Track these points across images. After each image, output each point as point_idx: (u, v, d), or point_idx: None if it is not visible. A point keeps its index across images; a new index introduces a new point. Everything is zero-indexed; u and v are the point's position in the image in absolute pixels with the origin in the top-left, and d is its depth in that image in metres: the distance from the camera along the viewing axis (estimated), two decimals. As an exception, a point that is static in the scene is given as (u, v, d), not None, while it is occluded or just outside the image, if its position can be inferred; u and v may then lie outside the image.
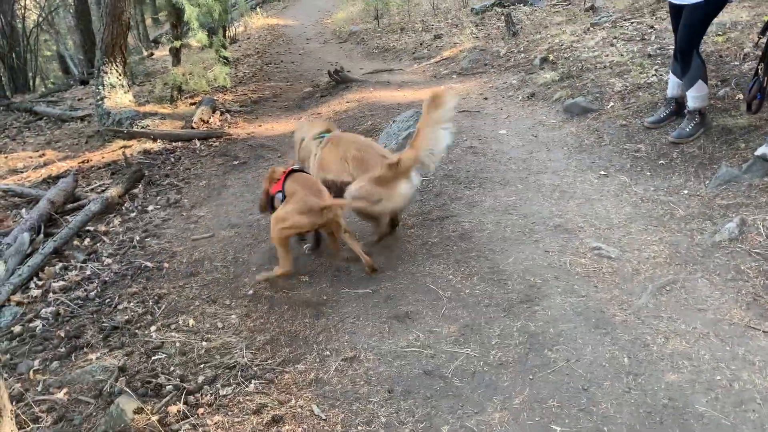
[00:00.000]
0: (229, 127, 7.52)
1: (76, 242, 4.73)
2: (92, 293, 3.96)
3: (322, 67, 10.69)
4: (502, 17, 10.09)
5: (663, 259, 3.39)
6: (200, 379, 2.93)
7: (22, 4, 17.19)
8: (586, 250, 3.53)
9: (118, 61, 8.09)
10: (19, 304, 3.93)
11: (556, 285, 3.23)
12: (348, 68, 9.61)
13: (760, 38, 3.93)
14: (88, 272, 4.24)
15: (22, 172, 6.81)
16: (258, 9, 18.96)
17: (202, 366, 3.04)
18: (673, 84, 4.83)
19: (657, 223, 3.76)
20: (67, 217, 5.09)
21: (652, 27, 7.14)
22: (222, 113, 8.04)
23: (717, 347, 2.70)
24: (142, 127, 7.41)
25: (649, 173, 4.39)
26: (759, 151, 3.98)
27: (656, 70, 5.83)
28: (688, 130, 4.57)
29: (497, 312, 3.10)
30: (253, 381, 2.86)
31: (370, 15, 14.60)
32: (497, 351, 2.83)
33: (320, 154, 3.92)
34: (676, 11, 4.50)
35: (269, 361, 3.00)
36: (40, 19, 17.66)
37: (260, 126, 7.47)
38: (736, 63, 5.35)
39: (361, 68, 10.24)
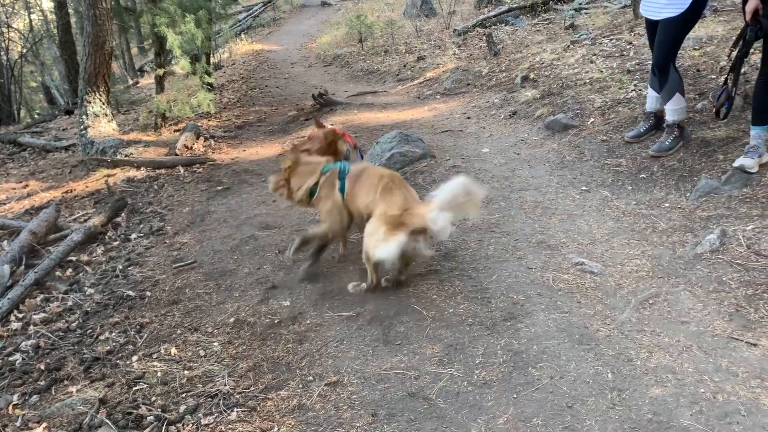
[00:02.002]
0: (213, 152, 7.52)
1: (58, 273, 4.67)
2: (74, 324, 3.90)
3: (306, 91, 10.74)
4: (484, 37, 10.20)
5: (645, 273, 3.40)
6: (182, 408, 2.88)
7: (6, 36, 17.25)
8: (568, 266, 3.53)
9: (101, 90, 8.09)
10: (-2, 337, 3.87)
11: (539, 302, 3.22)
12: (332, 91, 9.67)
13: (732, 51, 3.99)
14: (69, 303, 4.19)
15: (4, 204, 6.76)
16: (243, 35, 19.08)
17: (183, 395, 2.99)
18: (651, 98, 4.88)
19: (639, 237, 3.77)
20: (50, 247, 5.03)
21: (630, 43, 7.23)
22: (206, 139, 8.04)
23: (700, 360, 2.69)
24: (126, 156, 7.39)
25: (630, 187, 4.41)
26: (737, 163, 4.01)
27: (635, 85, 5.89)
28: (667, 143, 4.61)
29: (481, 330, 3.08)
30: (235, 409, 2.82)
31: (354, 38, 14.73)
32: (481, 370, 2.81)
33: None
34: (652, 26, 4.57)
35: (251, 389, 2.96)
36: (25, 50, 17.71)
37: (244, 151, 7.47)
38: (712, 76, 5.42)
39: (346, 91, 10.30)
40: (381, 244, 3.31)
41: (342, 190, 3.72)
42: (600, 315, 3.08)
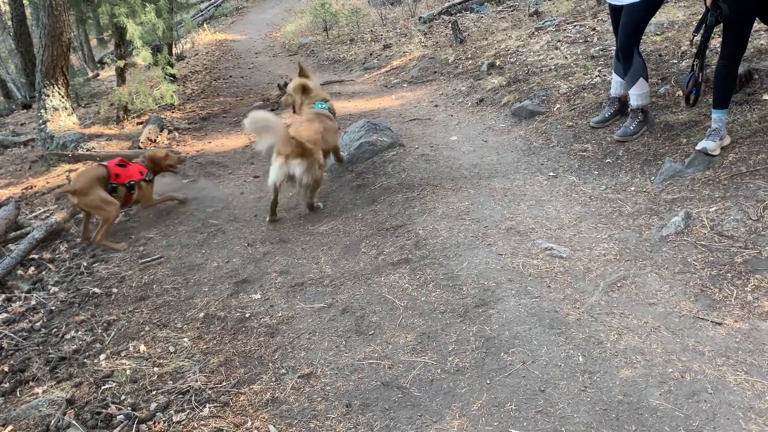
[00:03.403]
0: (177, 145, 7.38)
1: (20, 272, 4.55)
2: (38, 324, 3.81)
3: (272, 81, 10.62)
4: (449, 25, 10.19)
5: (613, 256, 3.44)
6: (152, 406, 2.84)
7: (-41, 28, 16.65)
8: (538, 251, 3.56)
9: (60, 83, 7.86)
10: (-41, 340, 3.75)
11: (509, 287, 3.25)
12: (298, 81, 9.55)
13: (694, 36, 4.05)
14: (33, 302, 4.09)
15: (-39, 202, 6.54)
16: (205, 25, 18.76)
17: (154, 393, 2.94)
18: (616, 84, 4.93)
19: (606, 221, 3.82)
20: (10, 245, 4.90)
21: (593, 29, 7.31)
22: (170, 131, 7.88)
23: (668, 340, 2.74)
24: (88, 150, 7.21)
25: (596, 172, 4.46)
26: (699, 146, 4.08)
27: (599, 71, 5.96)
28: (632, 128, 4.67)
29: (453, 318, 3.09)
30: (207, 405, 2.78)
31: (319, 27, 14.59)
32: (454, 357, 2.82)
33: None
34: (615, 12, 4.61)
35: (224, 384, 2.93)
36: (-22, 43, 17.11)
37: (210, 143, 7.35)
38: (674, 61, 5.51)
39: (312, 80, 10.19)
40: None
41: None
42: (570, 299, 3.11)
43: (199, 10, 20.47)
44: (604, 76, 5.78)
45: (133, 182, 4.92)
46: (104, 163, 4.95)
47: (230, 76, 12.06)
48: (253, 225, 4.74)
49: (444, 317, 3.11)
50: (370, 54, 11.34)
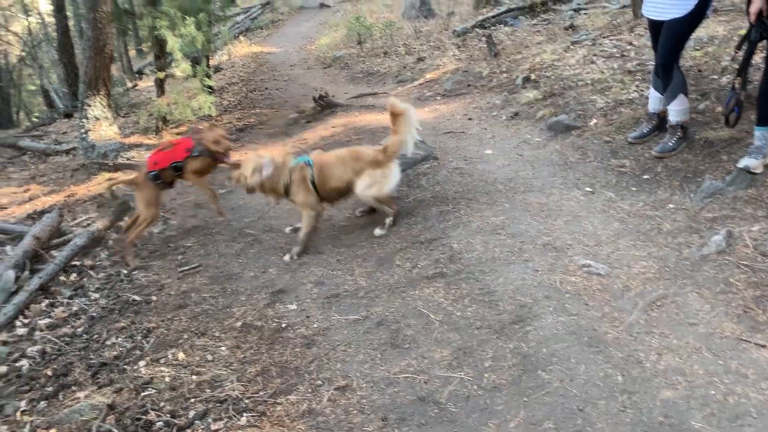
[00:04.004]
0: (215, 155, 7.49)
1: (62, 278, 4.66)
2: (79, 329, 3.90)
3: (307, 93, 10.72)
4: (483, 38, 10.20)
5: (652, 275, 3.40)
6: (191, 414, 2.88)
7: (5, 39, 17.23)
8: (575, 268, 3.54)
9: (102, 93, 8.08)
10: (4, 343, 3.85)
11: (547, 304, 3.23)
12: (333, 93, 9.65)
13: (736, 52, 3.99)
14: (74, 308, 4.19)
15: (6, 208, 6.74)
16: (242, 37, 19.07)
17: (192, 400, 2.99)
18: (654, 99, 4.88)
19: (644, 238, 3.78)
20: (53, 252, 5.02)
21: (630, 43, 7.25)
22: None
23: (710, 362, 2.69)
24: (128, 159, 7.38)
25: (634, 188, 4.42)
26: (741, 163, 4.02)
27: (637, 85, 5.90)
28: (671, 144, 4.61)
29: (489, 334, 3.08)
30: (244, 414, 2.82)
31: (354, 40, 14.72)
32: (491, 374, 2.81)
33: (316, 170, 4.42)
34: (654, 27, 4.57)
35: (261, 393, 2.96)
36: (23, 54, 17.68)
37: (246, 154, 7.44)
38: (714, 77, 5.43)
39: (346, 93, 10.29)
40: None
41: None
42: (608, 317, 3.08)
43: (235, 23, 20.82)
44: (642, 91, 5.73)
45: (176, 164, 4.87)
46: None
47: (266, 88, 12.23)
48: (289, 235, 4.79)
49: (480, 333, 3.10)
50: (404, 67, 11.40)
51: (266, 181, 4.39)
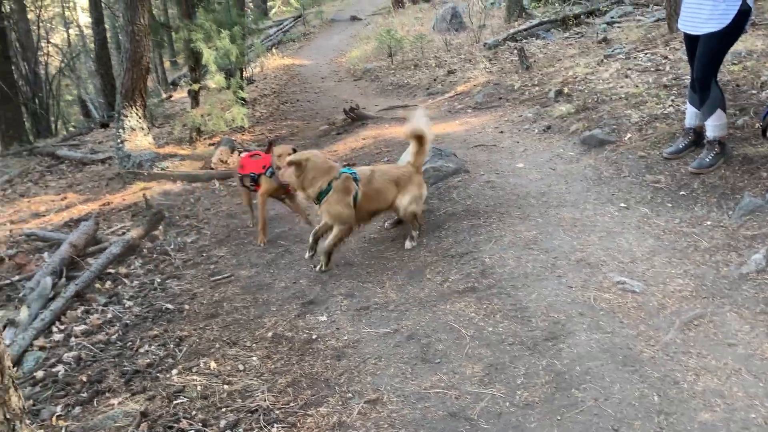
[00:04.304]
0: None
1: (97, 285, 4.75)
2: (113, 336, 3.96)
3: (337, 105, 10.82)
4: (515, 51, 10.18)
5: (689, 293, 3.33)
6: (222, 423, 2.90)
7: (45, 51, 17.72)
8: (609, 285, 3.48)
9: (138, 104, 8.26)
10: (41, 348, 3.94)
11: (580, 321, 3.18)
12: (363, 105, 9.72)
13: (777, 67, 3.91)
14: (109, 315, 4.26)
15: (44, 216, 6.91)
16: (274, 49, 19.32)
17: (224, 410, 3.01)
18: (690, 114, 4.81)
19: (681, 256, 3.70)
20: (89, 259, 5.13)
21: (666, 57, 7.16)
22: (240, 153, 8.13)
23: (750, 384, 2.62)
24: (162, 169, 7.52)
25: (670, 204, 4.34)
26: (782, 180, 3.93)
27: (672, 100, 5.82)
28: (708, 160, 4.53)
29: (522, 350, 3.05)
30: (275, 425, 2.82)
31: (384, 52, 14.81)
32: (523, 391, 2.78)
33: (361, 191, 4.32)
34: (691, 41, 4.51)
35: (291, 404, 2.97)
36: (62, 65, 18.16)
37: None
38: (753, 92, 5.33)
39: (376, 105, 10.35)
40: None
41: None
42: (644, 336, 3.02)
43: (267, 36, 21.10)
44: (678, 105, 5.64)
45: (253, 175, 5.02)
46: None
47: (297, 100, 12.37)
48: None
49: (512, 349, 3.07)
50: (434, 79, 11.43)
51: (301, 175, 4.21)
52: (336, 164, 4.40)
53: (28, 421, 3.01)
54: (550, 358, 2.94)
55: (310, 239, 4.54)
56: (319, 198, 4.24)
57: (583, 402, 2.64)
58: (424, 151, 4.53)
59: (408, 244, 4.47)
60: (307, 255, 4.56)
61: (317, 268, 4.38)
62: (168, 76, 21.02)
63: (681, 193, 4.44)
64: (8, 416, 2.12)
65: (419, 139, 4.42)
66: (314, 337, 3.53)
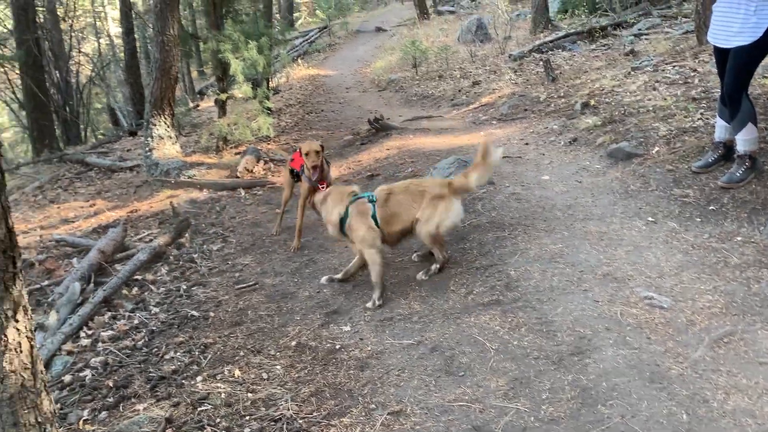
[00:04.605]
0: (272, 175, 7.67)
1: (124, 291, 4.82)
2: (140, 342, 4.01)
3: (362, 116, 10.86)
4: (541, 63, 10.14)
5: (719, 309, 3.28)
6: (246, 431, 2.91)
7: (77, 60, 18.09)
8: (636, 300, 3.44)
9: (166, 113, 8.39)
10: (69, 353, 4.00)
11: (607, 336, 3.14)
12: (387, 116, 9.75)
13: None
14: (136, 321, 4.31)
15: (73, 222, 7.03)
16: (299, 60, 19.50)
17: (247, 418, 3.02)
18: (720, 128, 4.74)
19: (710, 272, 3.65)
20: (117, 266, 5.20)
21: (695, 70, 7.07)
22: (266, 162, 8.21)
23: (783, 404, 2.57)
24: (189, 177, 7.61)
25: (699, 219, 4.28)
26: (815, 196, 3.85)
27: (702, 113, 5.74)
28: (738, 174, 4.46)
29: (547, 365, 3.02)
30: (298, 434, 2.83)
31: (409, 63, 14.85)
32: (548, 406, 2.75)
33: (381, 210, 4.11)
34: (721, 54, 4.46)
35: (314, 414, 2.97)
36: (93, 74, 18.52)
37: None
38: (785, 105, 5.24)
39: (400, 115, 10.37)
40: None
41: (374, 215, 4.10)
42: (672, 352, 2.98)
43: (293, 46, 21.32)
44: (707, 119, 5.57)
45: (294, 170, 5.13)
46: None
47: (322, 110, 12.45)
48: (342, 256, 4.83)
49: (537, 363, 3.04)
50: (459, 90, 11.43)
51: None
52: (354, 187, 4.31)
53: (57, 425, 3.06)
54: (575, 373, 2.91)
55: (340, 276, 4.42)
56: (342, 227, 4.13)
57: (610, 419, 2.60)
58: (477, 173, 4.14)
59: (420, 276, 4.17)
60: (324, 279, 4.45)
61: (368, 304, 3.97)
62: (195, 86, 21.33)
63: (710, 207, 4.37)
64: (39, 419, 2.15)
65: (484, 158, 4.12)
66: (338, 347, 3.54)
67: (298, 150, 5.08)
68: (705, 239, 4.02)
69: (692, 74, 6.97)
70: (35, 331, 4.12)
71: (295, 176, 5.22)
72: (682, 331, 3.14)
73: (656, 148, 5.39)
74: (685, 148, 5.21)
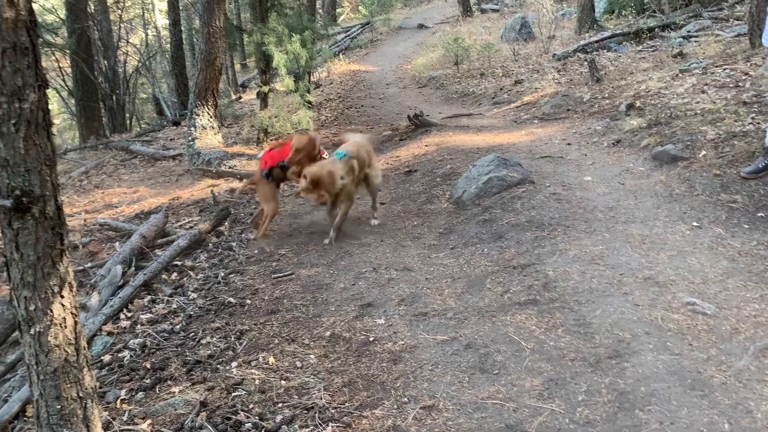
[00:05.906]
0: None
1: (164, 276, 4.91)
2: (177, 326, 4.08)
3: (401, 112, 10.85)
4: (585, 63, 9.98)
5: (765, 318, 3.17)
6: (278, 418, 2.94)
7: (124, 50, 18.49)
8: (679, 305, 3.35)
9: (209, 104, 8.51)
10: (109, 333, 4.10)
11: (647, 341, 3.07)
12: (427, 112, 9.71)
13: None
14: (174, 306, 4.39)
15: (117, 207, 7.20)
16: (341, 55, 19.58)
17: (280, 405, 3.05)
18: (772, 133, 4.60)
19: (757, 279, 3.53)
20: (157, 251, 5.31)
21: (746, 74, 6.86)
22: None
23: (831, 419, 2.47)
24: (230, 167, 7.71)
25: (747, 226, 4.15)
26: None
27: (752, 118, 5.57)
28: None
29: (584, 367, 2.97)
30: (330, 424, 2.84)
31: (450, 61, 14.77)
32: (584, 408, 2.70)
33: None
34: (775, 58, 4.32)
35: (346, 404, 2.98)
36: (139, 64, 18.91)
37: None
38: (842, 111, 5.05)
39: (440, 112, 10.33)
40: None
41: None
42: (714, 360, 2.90)
43: (335, 41, 21.42)
44: (758, 123, 5.40)
45: (282, 163, 5.18)
46: None
47: (362, 106, 12.48)
48: (378, 250, 4.83)
49: (574, 365, 2.99)
50: (501, 89, 11.32)
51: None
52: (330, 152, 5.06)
53: (96, 402, 3.13)
54: (613, 377, 2.85)
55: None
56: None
57: (648, 424, 2.54)
58: None
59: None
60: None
61: (327, 241, 5.05)
62: (238, 79, 21.59)
63: (759, 214, 4.24)
64: (81, 394, 2.20)
65: None
66: (371, 339, 3.54)
67: (268, 149, 5.25)
68: (753, 246, 3.90)
69: (743, 78, 6.76)
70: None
71: (279, 176, 5.23)
72: (725, 339, 3.05)
73: (703, 152, 5.25)
74: (733, 152, 5.07)
